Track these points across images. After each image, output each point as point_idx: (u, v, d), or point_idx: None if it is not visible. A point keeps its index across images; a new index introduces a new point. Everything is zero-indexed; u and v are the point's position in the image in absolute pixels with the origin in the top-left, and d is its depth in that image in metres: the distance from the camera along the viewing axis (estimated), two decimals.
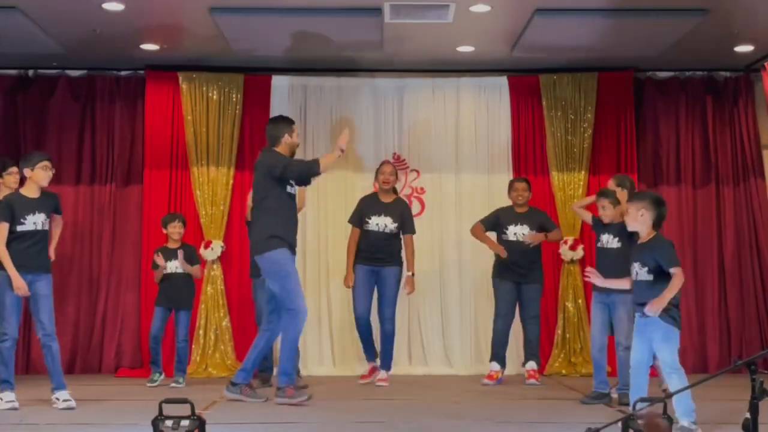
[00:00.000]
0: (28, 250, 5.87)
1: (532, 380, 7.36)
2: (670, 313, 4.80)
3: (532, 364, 7.45)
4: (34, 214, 5.89)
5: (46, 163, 5.98)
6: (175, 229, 7.52)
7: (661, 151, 8.79)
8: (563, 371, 8.26)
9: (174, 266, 7.43)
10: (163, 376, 7.31)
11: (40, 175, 5.94)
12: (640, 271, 4.93)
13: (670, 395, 3.58)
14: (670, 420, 3.73)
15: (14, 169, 6.78)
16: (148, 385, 7.19)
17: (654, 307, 4.74)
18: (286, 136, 6.20)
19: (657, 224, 5.01)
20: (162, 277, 7.44)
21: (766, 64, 8.08)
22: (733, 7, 6.93)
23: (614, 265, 5.76)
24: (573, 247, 8.46)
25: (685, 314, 8.54)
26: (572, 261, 8.50)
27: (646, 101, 8.83)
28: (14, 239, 5.85)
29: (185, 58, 8.33)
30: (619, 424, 3.74)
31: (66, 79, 8.66)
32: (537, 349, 7.55)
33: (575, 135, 8.60)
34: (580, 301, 8.46)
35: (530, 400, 6.32)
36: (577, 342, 8.40)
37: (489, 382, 7.37)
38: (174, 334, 7.46)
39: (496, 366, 7.46)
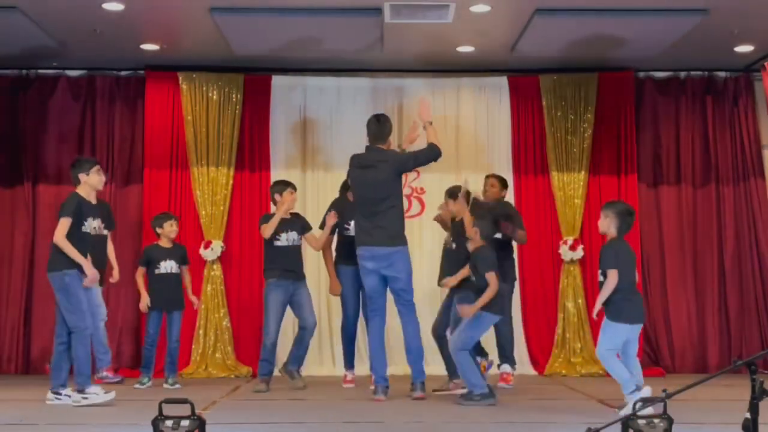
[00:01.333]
0: (89, 251, 6.07)
1: (503, 383, 7.07)
2: (608, 307, 5.50)
3: (506, 368, 7.21)
4: (93, 218, 6.13)
5: (98, 167, 6.21)
6: (172, 228, 7.41)
7: (661, 151, 8.80)
8: (563, 371, 8.26)
9: (169, 267, 7.33)
10: (151, 383, 7.24)
11: (95, 179, 6.15)
12: (599, 273, 5.60)
13: (670, 395, 3.57)
14: (670, 420, 3.72)
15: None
16: (136, 386, 7.14)
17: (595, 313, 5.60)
18: (390, 137, 6.51)
19: (621, 231, 5.63)
20: (154, 278, 7.31)
21: (766, 64, 8.09)
22: (733, 7, 6.93)
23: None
24: (573, 247, 8.46)
25: (685, 314, 8.57)
26: (572, 261, 8.50)
27: (645, 101, 8.83)
28: (78, 240, 5.98)
29: (185, 58, 8.34)
30: (620, 424, 3.74)
31: (66, 79, 8.67)
32: (510, 351, 7.26)
33: (575, 135, 8.60)
34: (580, 300, 8.47)
35: (530, 400, 6.32)
36: (576, 342, 8.41)
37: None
38: (166, 336, 7.38)
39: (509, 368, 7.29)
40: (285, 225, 7.10)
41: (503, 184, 7.52)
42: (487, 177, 7.59)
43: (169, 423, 3.80)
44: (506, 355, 7.22)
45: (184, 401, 3.92)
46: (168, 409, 3.87)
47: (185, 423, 3.81)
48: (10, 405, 6.04)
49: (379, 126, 6.43)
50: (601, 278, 5.55)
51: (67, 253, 5.92)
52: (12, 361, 8.33)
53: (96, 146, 8.63)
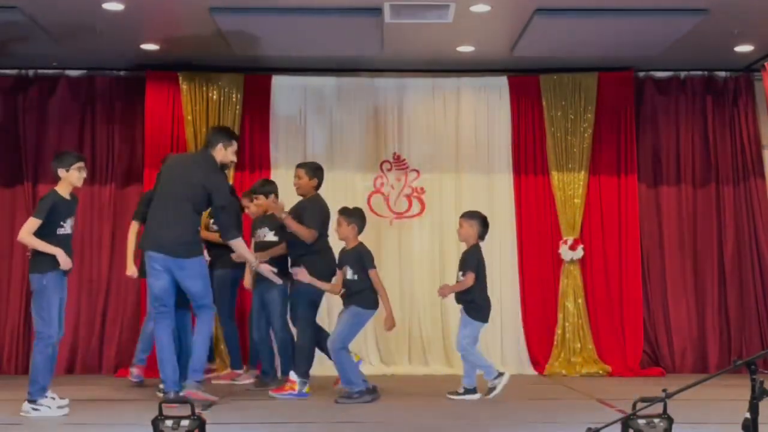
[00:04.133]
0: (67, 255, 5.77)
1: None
2: (468, 306, 6.38)
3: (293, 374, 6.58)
4: (71, 217, 5.82)
5: (81, 164, 5.87)
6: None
7: (661, 151, 8.79)
8: (563, 371, 8.26)
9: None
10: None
11: (74, 177, 5.82)
12: (458, 274, 6.45)
13: (670, 395, 3.57)
14: (670, 420, 3.72)
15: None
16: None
17: (441, 291, 6.52)
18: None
19: (481, 238, 6.51)
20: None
21: (766, 64, 8.09)
22: (733, 7, 6.93)
23: None
24: (573, 247, 8.46)
25: (685, 314, 8.57)
26: (572, 261, 8.49)
27: (645, 101, 8.83)
28: (56, 244, 5.64)
29: (185, 58, 8.33)
30: (620, 424, 3.74)
31: (66, 79, 8.66)
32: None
33: (575, 135, 8.60)
34: (579, 301, 8.46)
35: (530, 400, 6.33)
36: (576, 342, 8.40)
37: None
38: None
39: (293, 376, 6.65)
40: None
41: (309, 176, 6.98)
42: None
43: (169, 423, 3.80)
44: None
45: (184, 401, 3.92)
46: (168, 409, 3.87)
47: (185, 423, 3.81)
48: (10, 405, 6.03)
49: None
50: (461, 278, 6.41)
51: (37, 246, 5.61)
52: (12, 361, 8.33)
53: (96, 146, 8.62)
